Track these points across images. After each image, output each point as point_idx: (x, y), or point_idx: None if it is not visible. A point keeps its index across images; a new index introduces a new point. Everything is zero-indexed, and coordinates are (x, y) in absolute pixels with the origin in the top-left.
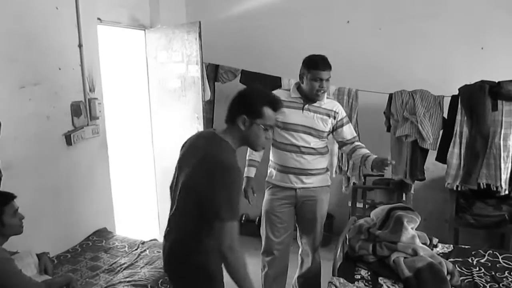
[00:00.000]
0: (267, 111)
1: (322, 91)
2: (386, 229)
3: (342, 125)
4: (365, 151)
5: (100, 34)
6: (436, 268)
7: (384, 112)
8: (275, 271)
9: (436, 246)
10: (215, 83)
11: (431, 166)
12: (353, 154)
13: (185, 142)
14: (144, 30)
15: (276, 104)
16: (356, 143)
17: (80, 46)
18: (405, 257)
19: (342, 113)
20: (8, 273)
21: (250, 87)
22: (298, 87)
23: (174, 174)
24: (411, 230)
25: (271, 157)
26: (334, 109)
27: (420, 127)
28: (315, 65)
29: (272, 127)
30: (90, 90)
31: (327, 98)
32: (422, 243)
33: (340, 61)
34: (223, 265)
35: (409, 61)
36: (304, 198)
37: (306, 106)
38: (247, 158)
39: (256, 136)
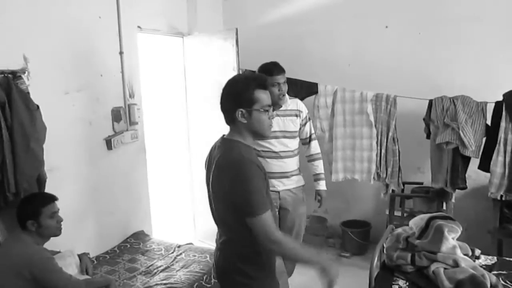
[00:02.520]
0: (258, 93)
1: (282, 95)
2: (426, 238)
3: (305, 124)
4: (316, 169)
5: (140, 42)
6: (479, 280)
7: (424, 119)
8: None
9: (478, 257)
10: None
11: (473, 174)
12: (309, 162)
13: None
14: (182, 37)
15: (263, 82)
16: (313, 150)
17: (121, 53)
18: (445, 268)
19: (305, 111)
20: (50, 271)
21: (229, 80)
22: None
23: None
24: (452, 240)
25: None
26: (298, 108)
27: (461, 134)
28: (270, 71)
29: (270, 106)
30: (130, 96)
31: (289, 98)
32: (464, 254)
33: (378, 66)
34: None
35: (449, 66)
36: (286, 199)
37: (274, 112)
38: None
39: (260, 122)
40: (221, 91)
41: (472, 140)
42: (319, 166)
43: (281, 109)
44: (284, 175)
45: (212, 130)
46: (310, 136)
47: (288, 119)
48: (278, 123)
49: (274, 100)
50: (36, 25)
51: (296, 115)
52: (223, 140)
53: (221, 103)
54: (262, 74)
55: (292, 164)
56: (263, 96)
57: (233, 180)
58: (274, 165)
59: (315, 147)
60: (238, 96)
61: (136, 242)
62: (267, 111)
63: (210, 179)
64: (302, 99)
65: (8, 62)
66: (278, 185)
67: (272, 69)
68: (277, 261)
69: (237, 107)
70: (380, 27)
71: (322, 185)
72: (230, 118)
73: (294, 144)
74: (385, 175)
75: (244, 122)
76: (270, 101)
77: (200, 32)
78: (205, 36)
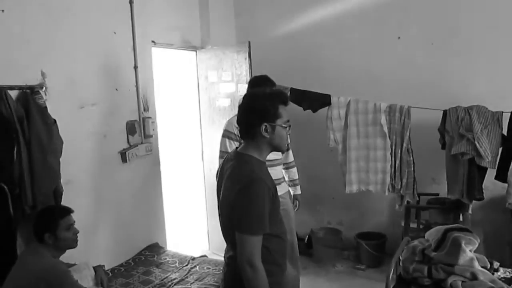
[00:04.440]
0: (281, 108)
1: None
2: (442, 251)
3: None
4: (294, 176)
5: (154, 56)
6: None
7: (439, 129)
8: None
9: (497, 270)
10: None
11: (490, 185)
12: (285, 170)
13: (217, 171)
14: (195, 51)
15: (285, 98)
16: (290, 158)
17: (135, 67)
18: (463, 281)
19: None
20: (66, 284)
21: (251, 94)
22: None
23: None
24: (469, 252)
25: None
26: None
27: (477, 145)
28: (261, 84)
29: (288, 121)
30: (144, 110)
31: None
32: (482, 267)
33: (391, 77)
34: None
35: (463, 76)
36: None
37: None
38: None
39: (281, 138)
40: (240, 104)
41: (488, 151)
42: (295, 173)
43: None
44: (278, 182)
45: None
46: (288, 144)
47: None
48: None
49: None
50: (54, 41)
51: None
52: (237, 153)
53: (243, 116)
54: (283, 91)
55: (280, 171)
56: (285, 112)
57: (239, 193)
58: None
59: (291, 155)
60: (264, 111)
61: (150, 254)
62: (287, 127)
63: (221, 192)
64: (315, 111)
65: (27, 77)
66: None
67: (259, 82)
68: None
69: (262, 122)
70: (393, 38)
71: (298, 190)
72: (250, 132)
73: (280, 153)
74: (399, 187)
75: (267, 137)
76: (288, 117)
77: (213, 45)
78: (218, 50)
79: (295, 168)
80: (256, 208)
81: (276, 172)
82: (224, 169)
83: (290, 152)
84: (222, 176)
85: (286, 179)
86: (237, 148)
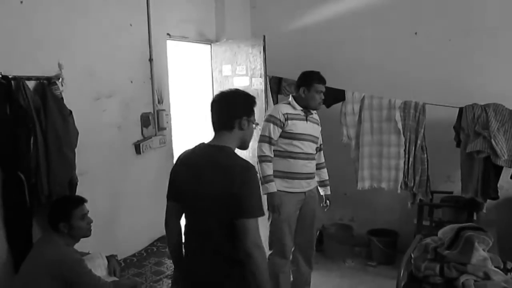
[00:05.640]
0: (255, 108)
1: (321, 103)
2: (455, 249)
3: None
4: (325, 176)
5: (168, 49)
6: None
7: (454, 127)
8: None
9: (510, 270)
10: (278, 96)
11: (506, 184)
12: (317, 170)
13: (178, 168)
14: (210, 44)
15: (255, 100)
16: (322, 158)
17: (150, 60)
18: (475, 280)
19: (319, 120)
20: (80, 273)
21: (233, 91)
22: (295, 100)
23: (176, 204)
24: (482, 251)
25: (274, 167)
26: (318, 118)
27: (493, 143)
28: (318, 79)
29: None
30: (158, 102)
31: None
32: (495, 267)
33: (407, 73)
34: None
35: (481, 73)
36: (312, 198)
37: (308, 116)
38: (264, 175)
39: (251, 134)
40: (220, 99)
41: (505, 149)
42: (326, 173)
43: (311, 116)
44: (310, 176)
45: None
46: (320, 145)
47: (316, 126)
48: (310, 128)
49: (314, 106)
50: (71, 32)
51: (318, 124)
52: (212, 147)
53: (225, 109)
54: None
55: (314, 166)
56: (255, 111)
57: (242, 182)
58: (304, 166)
59: (322, 156)
60: (246, 106)
61: (162, 245)
62: (256, 126)
63: (202, 185)
64: (329, 106)
65: (44, 69)
66: (305, 186)
67: (322, 77)
68: None
69: (243, 115)
70: (409, 34)
71: (329, 190)
72: (229, 124)
73: (314, 149)
74: (412, 184)
75: (244, 131)
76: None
77: (228, 39)
78: (233, 43)
79: (326, 169)
80: (257, 193)
81: (312, 166)
82: (196, 162)
83: (322, 152)
84: (196, 168)
85: (317, 179)
86: (203, 142)
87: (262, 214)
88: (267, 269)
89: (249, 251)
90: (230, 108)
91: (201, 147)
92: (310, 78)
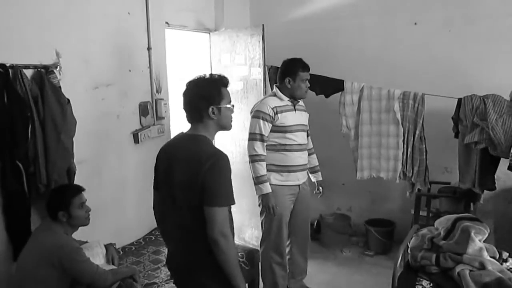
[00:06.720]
0: (224, 90)
1: (307, 90)
2: (451, 239)
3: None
4: (316, 162)
5: (167, 37)
6: (506, 284)
7: (452, 118)
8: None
9: (506, 260)
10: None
11: (503, 175)
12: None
13: (159, 157)
14: (209, 33)
15: (225, 80)
16: (310, 144)
17: (149, 49)
18: (471, 270)
19: (305, 106)
20: (78, 261)
21: (194, 81)
22: (281, 90)
23: (158, 193)
24: (478, 242)
25: (268, 161)
26: (304, 104)
27: (491, 134)
28: (303, 67)
29: (230, 101)
30: (157, 91)
31: None
32: (491, 257)
33: (406, 64)
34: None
35: (480, 64)
36: (306, 190)
37: (296, 105)
38: (257, 175)
39: (227, 118)
40: (185, 91)
41: (502, 141)
42: (316, 159)
43: (298, 104)
44: (305, 168)
45: (237, 125)
46: (307, 131)
47: (304, 114)
48: (299, 117)
49: (301, 95)
50: (69, 21)
51: (305, 111)
52: (187, 136)
53: (189, 102)
54: (223, 75)
55: (307, 157)
56: (227, 93)
57: (209, 170)
58: (299, 158)
59: (311, 141)
60: (208, 96)
61: (160, 234)
62: (231, 106)
63: (173, 174)
64: (328, 96)
65: (41, 57)
66: (301, 178)
67: (306, 65)
68: None
69: (209, 105)
70: (409, 24)
71: (320, 176)
72: (198, 115)
73: (306, 138)
74: (411, 174)
75: (214, 119)
76: (230, 97)
77: (227, 28)
78: (231, 32)
79: (315, 154)
80: (226, 182)
81: (305, 157)
82: (172, 153)
83: (310, 138)
84: (172, 159)
85: (308, 165)
86: (182, 132)
87: (230, 203)
88: (236, 257)
89: (215, 239)
90: (195, 102)
91: (179, 137)
92: (294, 67)
